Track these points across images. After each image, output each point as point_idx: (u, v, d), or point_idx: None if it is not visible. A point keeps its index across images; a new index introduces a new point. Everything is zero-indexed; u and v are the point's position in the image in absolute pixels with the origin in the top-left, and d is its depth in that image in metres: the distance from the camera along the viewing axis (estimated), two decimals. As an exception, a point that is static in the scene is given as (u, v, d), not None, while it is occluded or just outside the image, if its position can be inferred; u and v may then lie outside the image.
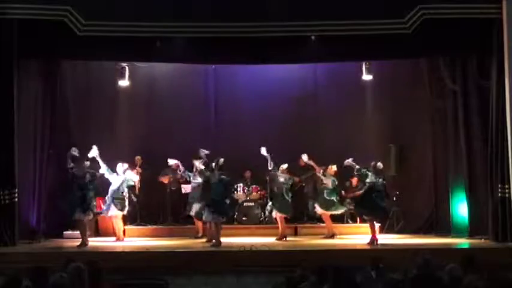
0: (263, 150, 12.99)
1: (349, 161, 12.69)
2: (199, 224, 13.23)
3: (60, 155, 13.17)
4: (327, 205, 13.38)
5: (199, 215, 12.93)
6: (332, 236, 13.28)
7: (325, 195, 13.36)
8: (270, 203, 13.65)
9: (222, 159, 12.38)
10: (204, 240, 12.83)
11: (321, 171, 13.45)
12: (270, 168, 13.13)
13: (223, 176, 12.27)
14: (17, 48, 11.95)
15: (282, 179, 13.10)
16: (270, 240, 12.81)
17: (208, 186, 12.34)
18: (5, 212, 11.85)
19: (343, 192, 13.62)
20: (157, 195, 14.32)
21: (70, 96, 14.14)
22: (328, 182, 13.34)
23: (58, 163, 13.25)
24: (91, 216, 12.44)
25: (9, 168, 11.94)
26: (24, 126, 12.55)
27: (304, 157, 13.45)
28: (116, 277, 7.13)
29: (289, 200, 13.12)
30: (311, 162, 13.47)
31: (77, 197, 12.06)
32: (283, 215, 13.09)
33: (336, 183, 13.41)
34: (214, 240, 12.15)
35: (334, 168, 13.43)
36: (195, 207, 13.06)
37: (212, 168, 12.36)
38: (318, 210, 13.49)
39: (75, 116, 14.23)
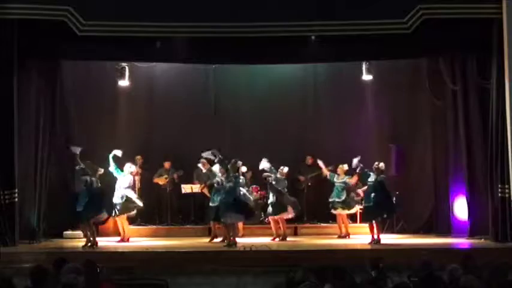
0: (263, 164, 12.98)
1: (355, 161, 12.72)
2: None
3: (61, 155, 13.20)
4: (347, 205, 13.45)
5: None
6: (341, 236, 13.37)
7: (347, 195, 13.40)
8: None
9: (240, 162, 12.44)
10: (219, 240, 12.80)
11: (329, 173, 13.48)
12: (267, 174, 13.10)
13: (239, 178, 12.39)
14: (17, 48, 11.96)
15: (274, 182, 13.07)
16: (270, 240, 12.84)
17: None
18: (5, 212, 11.86)
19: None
20: (157, 195, 14.34)
21: (70, 96, 14.13)
22: (342, 181, 13.40)
23: (58, 163, 13.27)
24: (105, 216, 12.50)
25: (9, 168, 11.95)
26: (24, 126, 12.55)
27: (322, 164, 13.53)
28: (116, 277, 7.13)
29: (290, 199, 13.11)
30: (322, 164, 13.54)
31: (89, 199, 12.08)
32: (285, 216, 13.07)
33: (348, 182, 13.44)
34: (232, 239, 12.12)
35: (345, 167, 13.41)
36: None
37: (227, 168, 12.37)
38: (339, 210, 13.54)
39: (75, 116, 14.21)
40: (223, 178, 12.32)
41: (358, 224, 13.88)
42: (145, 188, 14.04)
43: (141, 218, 14.05)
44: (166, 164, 14.32)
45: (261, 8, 11.93)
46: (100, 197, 12.27)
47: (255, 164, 13.45)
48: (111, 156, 12.60)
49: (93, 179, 12.19)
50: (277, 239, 12.97)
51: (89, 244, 12.07)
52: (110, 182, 12.78)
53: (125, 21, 11.89)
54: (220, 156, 12.54)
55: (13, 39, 11.90)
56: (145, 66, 14.30)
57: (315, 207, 14.33)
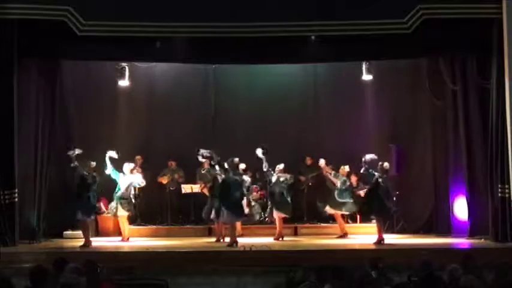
0: (258, 152, 12.96)
1: (370, 156, 12.67)
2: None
3: (61, 155, 13.19)
4: (338, 205, 13.42)
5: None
6: (344, 235, 13.32)
7: (335, 195, 13.39)
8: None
9: (236, 159, 12.43)
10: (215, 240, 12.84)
11: (332, 172, 13.48)
12: (264, 170, 13.10)
13: (239, 176, 12.42)
14: (17, 48, 11.97)
15: (282, 178, 13.07)
16: (270, 240, 12.83)
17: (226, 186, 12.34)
18: (5, 212, 11.87)
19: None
20: (157, 195, 14.34)
21: (70, 96, 14.13)
22: (337, 182, 13.40)
23: (58, 163, 13.27)
24: (93, 217, 12.48)
25: (9, 168, 11.95)
26: (24, 126, 12.56)
27: (321, 162, 13.55)
28: (116, 277, 7.13)
29: (289, 200, 13.11)
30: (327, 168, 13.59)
31: (81, 198, 12.08)
32: (282, 215, 13.08)
33: (348, 183, 13.42)
34: (228, 239, 12.18)
35: (346, 168, 13.44)
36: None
37: (225, 167, 12.37)
38: (329, 210, 13.55)
39: (75, 116, 14.22)
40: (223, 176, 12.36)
41: (358, 224, 13.90)
42: (146, 188, 14.01)
43: (141, 218, 14.07)
44: (169, 164, 14.32)
45: (261, 8, 11.94)
46: (84, 198, 12.23)
47: (254, 164, 13.44)
48: (107, 158, 12.61)
49: (94, 174, 12.22)
50: (280, 238, 12.97)
51: (85, 244, 12.09)
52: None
53: (125, 21, 11.90)
54: (217, 157, 12.52)
55: (13, 39, 11.91)
56: (145, 66, 14.31)
57: (315, 207, 14.33)
